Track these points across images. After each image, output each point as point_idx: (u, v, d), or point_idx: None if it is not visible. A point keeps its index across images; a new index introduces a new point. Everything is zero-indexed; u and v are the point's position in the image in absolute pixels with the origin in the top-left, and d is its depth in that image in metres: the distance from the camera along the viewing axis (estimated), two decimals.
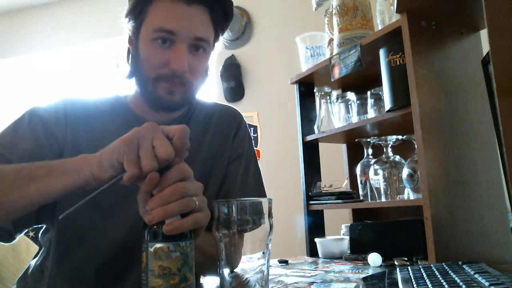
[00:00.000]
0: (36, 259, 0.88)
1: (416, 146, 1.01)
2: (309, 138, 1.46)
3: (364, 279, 0.78)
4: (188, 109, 0.92)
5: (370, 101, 1.29)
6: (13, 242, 0.78)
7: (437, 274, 0.61)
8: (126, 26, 0.82)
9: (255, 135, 2.71)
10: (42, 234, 0.88)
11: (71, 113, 0.83)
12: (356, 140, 1.37)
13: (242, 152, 0.95)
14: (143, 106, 0.86)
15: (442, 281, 0.55)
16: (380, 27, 1.22)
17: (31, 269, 0.87)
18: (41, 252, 0.88)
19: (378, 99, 1.26)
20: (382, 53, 1.12)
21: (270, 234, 0.59)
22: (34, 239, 1.59)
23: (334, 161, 1.69)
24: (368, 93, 1.30)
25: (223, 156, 0.92)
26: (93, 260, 0.79)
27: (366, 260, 1.12)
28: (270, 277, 1.01)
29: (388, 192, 1.20)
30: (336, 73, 1.29)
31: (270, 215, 0.59)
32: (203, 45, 0.80)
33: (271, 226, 0.59)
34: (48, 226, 0.85)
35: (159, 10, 0.77)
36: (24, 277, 0.88)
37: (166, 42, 0.77)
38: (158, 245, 0.54)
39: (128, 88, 0.90)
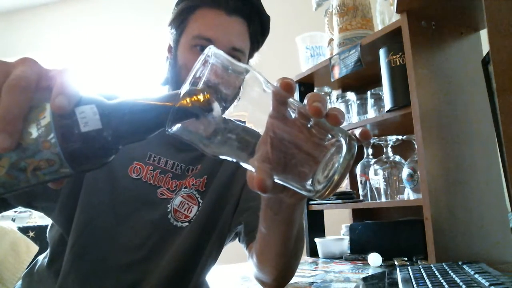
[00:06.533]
0: (44, 255, 0.87)
1: (416, 146, 1.01)
2: None
3: (364, 279, 0.78)
4: None
5: (370, 101, 1.29)
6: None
7: (437, 274, 0.61)
8: (168, 35, 0.84)
9: None
10: (50, 230, 0.87)
11: None
12: None
13: None
14: None
15: (442, 281, 0.55)
16: (380, 27, 1.22)
17: (38, 265, 0.86)
18: (49, 248, 0.88)
19: (378, 99, 1.26)
20: (382, 53, 1.12)
21: None
22: (34, 239, 1.59)
23: None
24: (368, 93, 1.30)
25: None
26: (105, 264, 0.78)
27: (366, 260, 1.12)
28: None
29: (388, 192, 1.20)
30: (336, 73, 1.29)
31: None
32: (239, 56, 0.82)
33: None
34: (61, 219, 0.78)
35: (200, 18, 0.80)
36: (30, 273, 0.87)
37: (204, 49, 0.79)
38: None
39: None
